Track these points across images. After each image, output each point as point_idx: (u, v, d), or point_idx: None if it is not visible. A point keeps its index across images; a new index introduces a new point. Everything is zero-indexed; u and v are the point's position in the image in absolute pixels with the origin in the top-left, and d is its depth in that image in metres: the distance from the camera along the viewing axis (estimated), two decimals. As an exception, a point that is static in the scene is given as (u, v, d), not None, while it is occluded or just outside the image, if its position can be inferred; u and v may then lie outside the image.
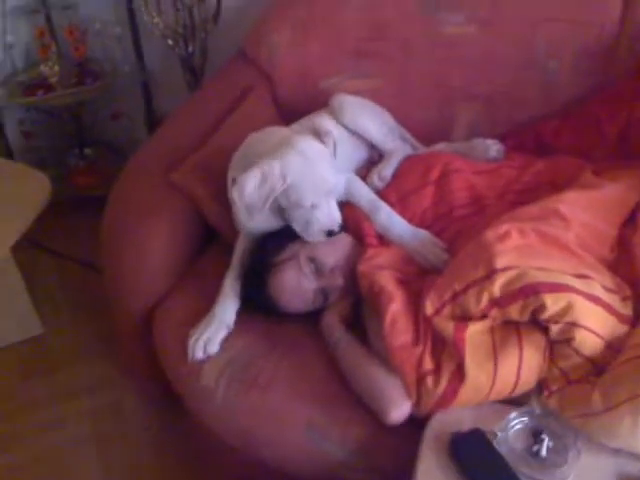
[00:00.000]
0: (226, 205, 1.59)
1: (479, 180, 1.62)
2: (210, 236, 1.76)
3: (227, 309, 1.49)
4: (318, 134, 1.51)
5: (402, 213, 1.57)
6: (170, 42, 2.37)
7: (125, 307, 1.68)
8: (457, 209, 1.57)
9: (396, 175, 1.69)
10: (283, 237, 1.51)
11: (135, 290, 1.65)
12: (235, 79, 2.05)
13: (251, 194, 1.38)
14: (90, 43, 2.59)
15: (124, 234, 1.65)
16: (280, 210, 1.47)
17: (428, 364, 1.25)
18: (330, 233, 1.44)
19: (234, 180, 1.41)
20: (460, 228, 1.53)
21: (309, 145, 1.44)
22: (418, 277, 1.44)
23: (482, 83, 1.95)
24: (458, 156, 1.69)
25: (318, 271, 1.45)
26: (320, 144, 1.47)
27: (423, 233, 1.52)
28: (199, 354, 1.43)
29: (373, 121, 1.79)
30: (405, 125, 1.93)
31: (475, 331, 1.24)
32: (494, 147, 1.77)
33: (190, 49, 2.40)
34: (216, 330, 1.45)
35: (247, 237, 1.60)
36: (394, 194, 1.64)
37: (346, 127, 1.76)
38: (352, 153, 1.78)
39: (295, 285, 1.45)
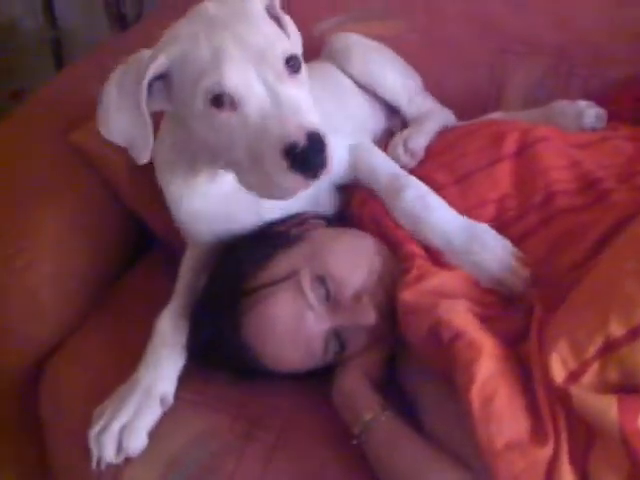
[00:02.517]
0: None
1: (584, 155, 1.14)
2: (145, 237, 1.38)
3: (162, 371, 1.03)
4: None
5: (462, 201, 1.09)
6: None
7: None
8: (560, 196, 1.07)
9: (440, 149, 1.24)
10: (268, 241, 1.06)
11: (8, 332, 1.19)
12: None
13: (112, 103, 0.94)
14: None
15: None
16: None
17: (568, 479, 0.79)
18: (297, 158, 0.85)
19: None
20: (573, 227, 1.03)
21: (221, 3, 0.94)
22: (505, 310, 0.99)
23: (551, 27, 1.51)
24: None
25: (333, 299, 1.01)
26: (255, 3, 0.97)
27: (482, 228, 1.03)
28: (108, 455, 0.96)
29: (395, 71, 1.39)
30: (433, 90, 1.50)
31: None
32: (590, 111, 1.28)
33: (119, -9, 2.03)
34: (141, 410, 0.99)
35: (199, 247, 1.15)
36: (445, 173, 1.15)
37: (355, 79, 1.37)
38: (364, 118, 1.36)
39: (294, 324, 0.99)
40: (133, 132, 0.93)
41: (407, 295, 0.97)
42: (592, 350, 0.81)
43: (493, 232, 1.02)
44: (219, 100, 0.86)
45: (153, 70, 0.88)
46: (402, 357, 1.03)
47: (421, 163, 1.21)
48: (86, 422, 1.02)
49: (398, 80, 1.38)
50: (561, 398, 0.81)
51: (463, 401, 0.83)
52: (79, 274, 1.24)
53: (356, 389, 0.98)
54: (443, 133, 1.30)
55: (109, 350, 1.15)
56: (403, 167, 1.18)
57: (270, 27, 0.94)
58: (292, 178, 0.85)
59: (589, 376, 0.81)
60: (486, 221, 1.06)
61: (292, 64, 0.90)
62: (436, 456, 0.88)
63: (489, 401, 0.82)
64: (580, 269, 0.92)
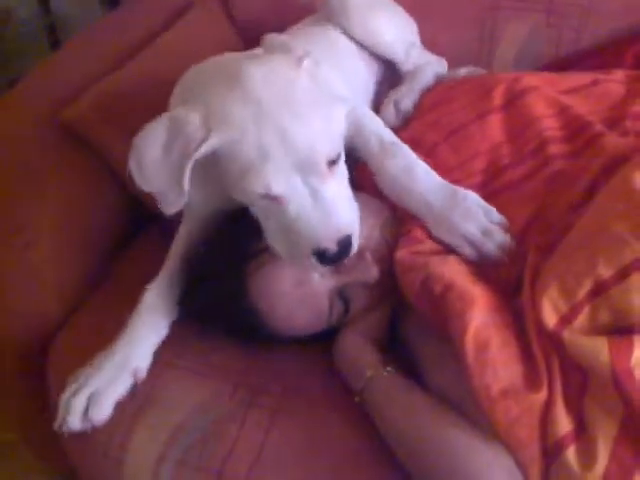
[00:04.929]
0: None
1: (572, 101, 1.10)
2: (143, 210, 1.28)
3: (138, 347, 1.00)
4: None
5: (454, 156, 1.07)
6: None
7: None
8: (552, 143, 1.04)
9: (429, 106, 1.21)
10: None
11: (11, 311, 1.13)
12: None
13: (154, 160, 0.89)
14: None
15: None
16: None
17: (563, 422, 0.77)
18: (325, 257, 0.89)
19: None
20: (566, 172, 1.00)
21: (268, 77, 0.89)
22: (504, 266, 0.95)
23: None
24: (527, 72, 1.23)
25: None
26: (303, 75, 0.91)
27: (467, 195, 0.98)
28: (74, 423, 0.93)
29: (393, 28, 1.35)
30: (425, 47, 1.46)
31: None
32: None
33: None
34: (112, 381, 0.96)
35: (195, 220, 1.11)
36: (435, 132, 1.12)
37: (353, 37, 1.32)
38: (362, 80, 1.32)
39: (299, 285, 0.97)
40: (168, 192, 0.90)
41: (402, 254, 0.95)
42: (582, 293, 0.80)
43: (476, 197, 0.98)
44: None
45: (203, 150, 0.85)
46: (404, 315, 1.01)
47: (411, 122, 1.19)
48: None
49: (396, 37, 1.34)
50: (554, 342, 0.79)
51: (457, 351, 0.81)
52: (79, 251, 1.20)
53: (358, 347, 0.96)
54: (433, 88, 1.28)
55: (114, 326, 1.04)
56: (390, 125, 1.16)
57: (317, 116, 0.88)
58: (316, 267, 0.91)
59: (581, 319, 0.79)
60: (478, 171, 1.04)
61: (334, 160, 0.89)
62: (437, 408, 0.86)
63: (482, 350, 0.80)
64: (575, 213, 0.91)
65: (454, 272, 0.89)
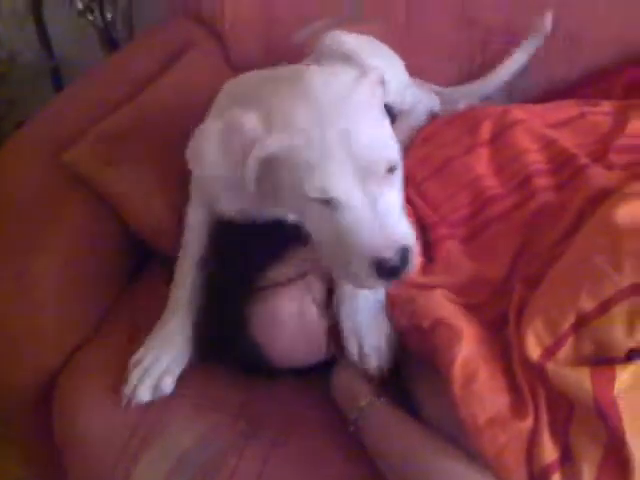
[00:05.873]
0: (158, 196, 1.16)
1: (558, 134, 1.11)
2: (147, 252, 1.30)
3: (180, 332, 1.06)
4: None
5: (441, 191, 1.09)
6: (80, 6, 1.90)
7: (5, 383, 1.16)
8: (537, 178, 1.05)
9: (419, 142, 1.23)
10: (280, 240, 1.03)
11: (16, 349, 1.13)
12: (169, 36, 1.61)
13: (214, 158, 0.90)
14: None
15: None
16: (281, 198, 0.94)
17: (549, 450, 0.79)
18: (383, 269, 0.83)
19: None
20: (550, 205, 1.01)
21: (330, 81, 0.90)
22: (493, 300, 0.97)
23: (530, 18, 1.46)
24: (516, 105, 1.24)
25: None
26: (363, 82, 0.92)
27: (378, 311, 0.98)
28: (144, 396, 1.00)
29: (390, 73, 1.30)
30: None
31: (627, 383, 0.78)
32: None
33: (109, 16, 1.96)
34: (174, 361, 1.03)
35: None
36: (423, 167, 1.14)
37: None
38: None
39: (298, 322, 0.99)
40: (228, 191, 0.94)
41: (390, 289, 0.97)
42: (566, 326, 0.81)
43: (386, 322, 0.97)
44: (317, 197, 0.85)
45: (263, 153, 0.85)
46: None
47: (403, 158, 1.21)
48: (99, 441, 1.03)
49: (393, 83, 1.32)
50: (538, 374, 0.81)
51: (445, 382, 0.83)
52: (80, 293, 1.17)
53: (353, 379, 0.98)
54: (428, 123, 1.30)
55: (118, 363, 1.08)
56: None
57: (377, 125, 0.89)
58: (376, 282, 0.85)
59: (565, 350, 0.81)
60: (465, 204, 1.05)
61: (392, 168, 0.87)
62: (430, 438, 0.87)
63: (470, 380, 0.82)
64: (560, 246, 0.92)
65: (441, 307, 0.91)
